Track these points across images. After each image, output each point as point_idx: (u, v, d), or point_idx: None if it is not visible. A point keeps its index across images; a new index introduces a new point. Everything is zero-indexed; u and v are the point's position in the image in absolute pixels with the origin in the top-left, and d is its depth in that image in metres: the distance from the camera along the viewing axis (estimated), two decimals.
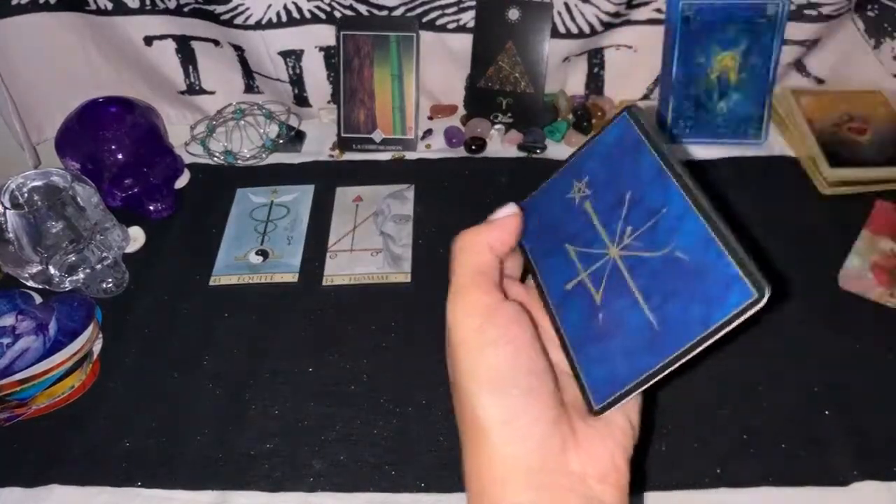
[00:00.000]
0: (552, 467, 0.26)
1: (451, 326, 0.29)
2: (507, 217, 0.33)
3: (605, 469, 0.27)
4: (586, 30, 0.74)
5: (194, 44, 0.79)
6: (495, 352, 0.27)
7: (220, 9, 0.73)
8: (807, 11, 0.72)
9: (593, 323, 0.30)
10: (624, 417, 0.29)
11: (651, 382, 0.27)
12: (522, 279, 0.36)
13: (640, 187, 0.29)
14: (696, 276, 0.26)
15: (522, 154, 0.78)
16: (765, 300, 0.24)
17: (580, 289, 0.31)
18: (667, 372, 0.27)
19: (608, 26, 0.74)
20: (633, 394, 0.28)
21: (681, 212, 0.27)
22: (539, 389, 0.27)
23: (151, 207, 0.73)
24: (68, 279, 0.65)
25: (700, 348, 0.26)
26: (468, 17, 0.76)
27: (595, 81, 0.81)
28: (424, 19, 0.76)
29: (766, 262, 0.61)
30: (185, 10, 0.75)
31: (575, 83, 0.81)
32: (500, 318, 0.28)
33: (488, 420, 0.26)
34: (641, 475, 0.50)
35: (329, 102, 0.84)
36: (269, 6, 0.74)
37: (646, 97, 0.81)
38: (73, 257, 0.63)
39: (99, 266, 0.65)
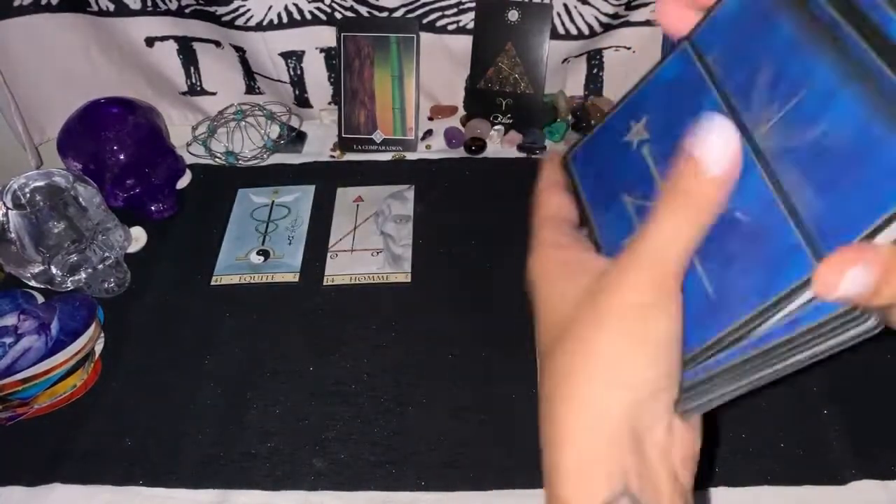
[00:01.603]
0: (653, 438, 0.25)
1: (624, 295, 0.25)
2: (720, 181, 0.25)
3: (688, 454, 0.27)
4: (585, 31, 0.75)
5: (196, 45, 0.80)
6: (667, 325, 0.24)
7: (221, 10, 0.73)
8: None
9: None
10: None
11: (717, 354, 0.24)
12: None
13: (774, 66, 0.24)
14: (756, 241, 0.23)
15: (522, 154, 0.78)
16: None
17: None
18: (733, 346, 0.24)
19: (607, 27, 0.75)
20: (703, 388, 0.25)
21: (745, 165, 0.23)
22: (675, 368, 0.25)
23: (153, 208, 0.73)
24: (70, 279, 0.65)
25: (759, 322, 0.23)
26: (468, 19, 0.76)
27: (594, 82, 0.81)
28: (425, 21, 0.76)
29: None
30: (187, 11, 0.75)
31: (574, 84, 0.82)
32: (674, 314, 0.25)
33: (620, 375, 0.24)
34: None
35: (330, 103, 0.84)
36: (270, 7, 0.74)
37: None
38: (74, 257, 0.64)
39: (101, 266, 0.65)
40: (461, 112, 0.84)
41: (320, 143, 0.81)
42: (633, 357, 0.24)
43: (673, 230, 0.23)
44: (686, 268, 0.24)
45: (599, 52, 0.78)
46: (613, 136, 0.30)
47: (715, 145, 0.23)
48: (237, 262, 0.69)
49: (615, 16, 0.73)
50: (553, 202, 0.30)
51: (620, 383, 0.24)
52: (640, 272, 0.24)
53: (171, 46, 0.80)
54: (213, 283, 0.67)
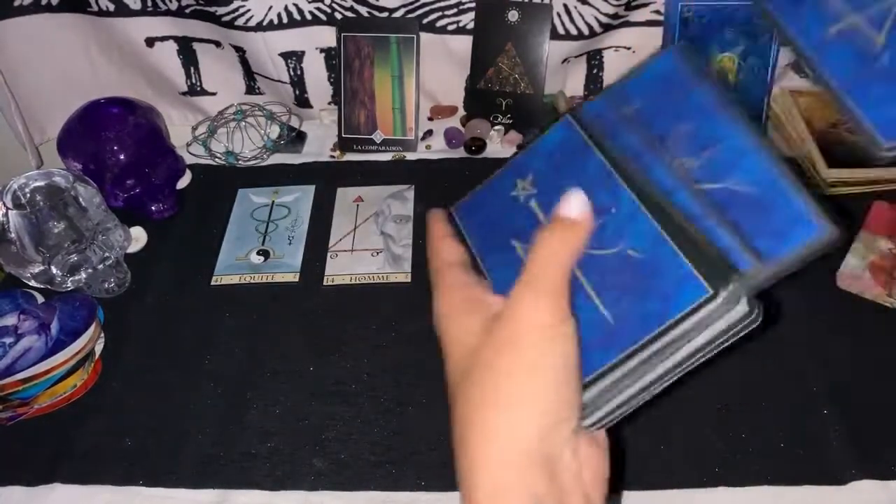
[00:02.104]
0: (563, 461, 0.26)
1: (522, 317, 0.27)
2: (584, 216, 0.29)
3: (597, 473, 0.28)
4: (585, 31, 0.75)
5: (196, 45, 0.80)
6: (564, 348, 0.27)
7: (221, 10, 0.73)
8: None
9: None
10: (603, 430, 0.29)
11: (611, 379, 0.27)
12: None
13: (588, 186, 0.29)
14: (650, 273, 0.26)
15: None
16: (721, 297, 0.24)
17: None
18: (625, 368, 0.26)
19: (607, 28, 0.75)
20: (605, 406, 0.27)
21: (630, 212, 0.27)
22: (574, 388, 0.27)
23: (153, 208, 0.73)
24: (70, 279, 0.65)
25: (657, 344, 0.25)
26: (468, 19, 0.76)
27: (594, 82, 0.81)
28: (425, 21, 0.76)
29: None
30: (187, 11, 0.75)
31: (574, 84, 0.82)
32: (570, 332, 0.28)
33: (527, 400, 0.26)
34: (639, 475, 0.50)
35: (330, 103, 0.84)
36: (270, 8, 0.74)
37: None
38: (74, 257, 0.64)
39: (101, 266, 0.65)
40: (461, 112, 0.84)
41: (320, 144, 0.81)
42: (533, 383, 0.26)
43: (551, 253, 0.28)
44: (567, 288, 0.28)
45: (599, 52, 0.78)
46: (500, 191, 0.33)
47: (573, 205, 0.29)
48: (237, 262, 0.69)
49: (615, 16, 0.73)
50: (447, 249, 0.33)
51: (525, 410, 0.26)
52: (535, 296, 0.27)
53: (172, 46, 0.80)
54: (213, 283, 0.67)
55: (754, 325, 0.25)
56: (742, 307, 0.25)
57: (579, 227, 0.29)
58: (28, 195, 0.63)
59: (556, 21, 0.75)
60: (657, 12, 0.74)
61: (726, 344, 0.26)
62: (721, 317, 0.25)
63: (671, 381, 0.27)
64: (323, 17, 0.76)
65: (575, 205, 0.29)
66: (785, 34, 0.33)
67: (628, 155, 0.29)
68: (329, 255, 0.69)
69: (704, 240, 0.26)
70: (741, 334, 0.26)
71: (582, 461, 0.27)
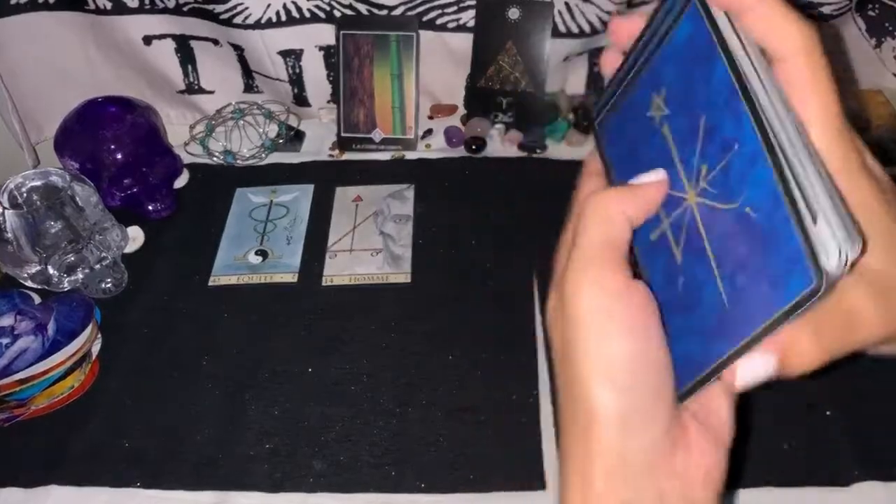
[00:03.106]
0: (659, 468, 0.25)
1: (571, 299, 0.25)
2: (654, 184, 0.26)
3: (708, 471, 0.26)
4: (587, 29, 0.74)
5: (193, 43, 0.79)
6: (622, 342, 0.24)
7: (219, 8, 0.73)
8: (807, 11, 0.72)
9: (675, 288, 0.25)
10: (727, 411, 0.27)
11: (721, 372, 0.24)
12: None
13: (716, 109, 0.23)
14: (764, 245, 0.21)
15: (523, 154, 0.78)
16: (823, 291, 0.19)
17: (663, 242, 0.26)
18: (738, 359, 0.23)
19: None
20: (707, 383, 0.24)
21: (753, 151, 0.21)
22: (660, 387, 0.25)
23: (150, 207, 0.73)
24: (67, 279, 0.64)
25: (763, 338, 0.21)
26: (468, 17, 0.76)
27: (595, 81, 0.81)
28: (424, 18, 0.76)
29: None
30: (185, 9, 0.75)
31: (575, 82, 0.81)
32: (630, 303, 0.25)
33: (604, 412, 0.24)
34: None
35: (329, 102, 0.84)
36: (269, 5, 0.74)
37: None
38: (72, 257, 0.63)
39: (98, 266, 0.65)
40: (461, 111, 0.83)
41: (319, 142, 0.81)
42: (603, 386, 0.25)
43: (597, 228, 0.26)
44: (624, 261, 0.25)
45: (601, 50, 0.78)
46: (638, 109, 0.28)
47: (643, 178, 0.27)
48: (235, 262, 0.68)
49: (617, 14, 0.73)
50: (592, 186, 0.30)
51: (602, 419, 0.25)
52: (577, 279, 0.25)
53: (169, 45, 0.79)
54: (211, 283, 0.67)
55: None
56: None
57: (642, 193, 0.26)
58: (25, 195, 0.63)
59: (558, 19, 0.74)
60: None
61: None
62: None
63: None
64: (322, 14, 0.76)
65: (647, 175, 0.26)
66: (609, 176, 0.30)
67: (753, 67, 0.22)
68: (328, 254, 0.68)
69: (818, 208, 0.20)
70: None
71: (689, 456, 0.25)
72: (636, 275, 0.27)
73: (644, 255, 0.27)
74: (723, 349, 0.23)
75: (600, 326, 0.25)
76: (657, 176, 0.26)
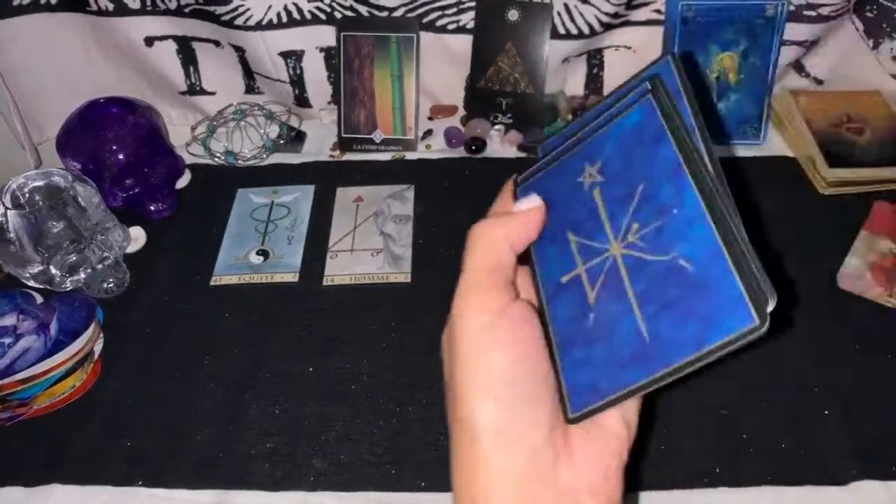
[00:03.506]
0: (542, 480, 0.25)
1: (456, 322, 0.27)
2: (531, 210, 0.30)
3: (597, 481, 0.26)
4: (586, 31, 0.75)
5: (195, 44, 0.80)
6: (500, 355, 0.26)
7: (220, 10, 0.73)
8: (806, 12, 0.72)
9: (583, 323, 0.28)
10: (620, 421, 0.28)
11: (631, 397, 0.26)
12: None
13: (655, 181, 0.26)
14: (697, 290, 0.24)
15: (522, 154, 0.78)
16: (764, 329, 0.22)
17: (575, 284, 0.29)
18: (650, 389, 0.25)
19: (608, 27, 0.75)
20: (612, 406, 0.26)
21: (692, 215, 0.25)
22: (539, 397, 0.26)
23: (152, 207, 0.73)
24: (69, 279, 0.65)
25: (689, 369, 0.24)
26: (468, 18, 0.76)
27: (594, 82, 0.81)
28: (425, 20, 0.76)
29: (765, 262, 0.61)
30: (186, 10, 0.75)
31: (574, 83, 0.81)
32: (510, 319, 0.27)
33: (482, 426, 0.25)
34: (637, 475, 0.50)
35: (329, 103, 0.84)
36: (270, 7, 0.74)
37: None
38: (74, 257, 0.63)
39: (100, 266, 0.65)
40: (461, 112, 0.84)
41: (320, 143, 0.81)
42: (486, 401, 0.25)
43: (484, 249, 0.27)
44: (503, 285, 0.27)
45: (600, 51, 0.78)
46: (567, 174, 0.31)
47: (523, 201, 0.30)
48: (237, 262, 0.69)
49: (616, 15, 0.73)
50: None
51: (487, 435, 0.25)
52: (466, 297, 0.27)
53: (171, 46, 0.79)
54: (212, 283, 0.67)
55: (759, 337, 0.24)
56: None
57: (520, 219, 0.28)
58: (27, 195, 0.63)
59: (557, 20, 0.75)
60: (658, 11, 0.74)
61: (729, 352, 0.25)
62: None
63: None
64: (322, 16, 0.76)
65: (527, 202, 0.29)
66: (531, 265, 0.32)
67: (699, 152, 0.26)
68: (329, 254, 0.69)
69: (750, 262, 0.23)
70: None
71: (578, 469, 0.26)
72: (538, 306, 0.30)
73: (551, 293, 0.30)
74: (638, 377, 0.25)
75: (481, 342, 0.26)
76: (534, 202, 0.30)
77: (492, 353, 0.26)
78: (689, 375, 0.25)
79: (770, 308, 0.22)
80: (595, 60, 0.79)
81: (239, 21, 0.74)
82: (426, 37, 0.77)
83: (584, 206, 0.29)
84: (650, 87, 0.28)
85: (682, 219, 0.25)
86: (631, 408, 0.29)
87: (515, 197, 0.32)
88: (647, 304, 0.25)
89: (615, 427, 0.28)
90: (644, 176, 0.27)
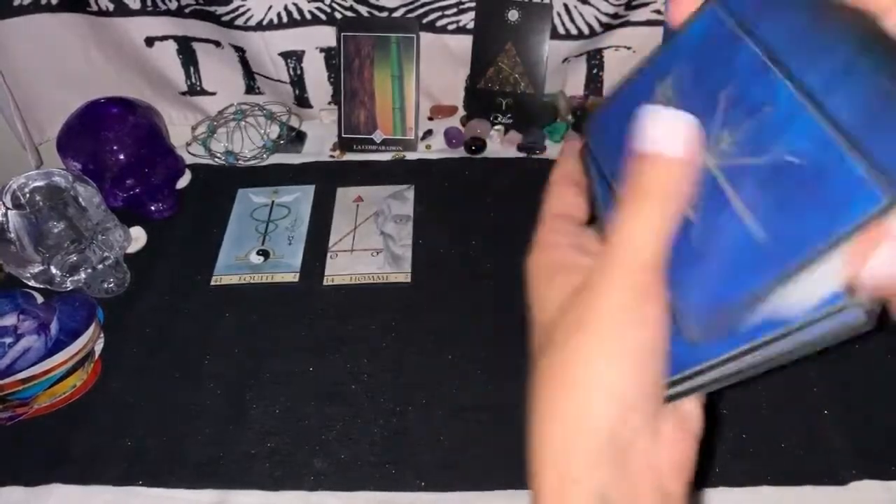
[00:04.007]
0: (639, 456, 0.24)
1: (601, 297, 0.24)
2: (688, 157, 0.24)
3: (681, 462, 0.25)
4: (585, 31, 0.75)
5: (195, 45, 0.80)
6: (647, 333, 0.24)
7: (220, 10, 0.73)
8: None
9: (687, 245, 0.25)
10: (694, 403, 0.26)
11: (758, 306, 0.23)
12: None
13: (739, 84, 0.24)
14: (813, 182, 0.21)
15: (522, 154, 0.78)
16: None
17: None
18: (778, 290, 0.22)
19: (607, 27, 0.75)
20: (739, 317, 0.23)
21: (790, 109, 0.22)
22: (656, 372, 0.24)
23: (153, 207, 0.73)
24: (70, 279, 0.65)
25: (819, 262, 0.21)
26: (468, 19, 0.76)
27: (594, 82, 0.81)
28: (425, 20, 0.76)
29: None
30: (186, 11, 0.75)
31: (574, 84, 0.82)
32: (656, 319, 0.24)
33: (598, 384, 0.23)
34: None
35: (330, 103, 0.84)
36: (270, 7, 0.74)
37: None
38: (74, 257, 0.63)
39: (100, 266, 0.65)
40: (461, 112, 0.84)
41: (320, 143, 0.81)
42: (613, 366, 0.24)
43: (640, 231, 0.23)
44: (662, 263, 0.24)
45: (599, 51, 0.78)
46: (637, 99, 0.27)
47: (663, 135, 0.22)
48: (237, 262, 0.69)
49: (615, 16, 0.73)
50: (560, 198, 0.29)
51: (600, 395, 0.24)
52: (616, 280, 0.23)
53: (171, 46, 0.79)
54: (212, 283, 0.67)
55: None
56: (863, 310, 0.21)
57: (670, 187, 0.23)
58: (28, 195, 0.63)
59: (557, 21, 0.75)
60: (657, 12, 0.74)
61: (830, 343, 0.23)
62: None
63: (769, 368, 0.24)
64: (323, 16, 0.76)
65: (671, 131, 0.23)
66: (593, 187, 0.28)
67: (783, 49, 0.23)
68: (329, 255, 0.69)
69: (864, 146, 0.20)
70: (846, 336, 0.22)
71: (662, 445, 0.25)
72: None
73: None
74: (759, 280, 0.22)
75: (638, 308, 0.24)
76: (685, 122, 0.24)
77: (620, 362, 0.24)
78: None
79: None
80: (595, 61, 0.79)
81: (239, 21, 0.74)
82: (426, 37, 0.77)
83: None
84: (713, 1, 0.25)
85: (777, 116, 0.23)
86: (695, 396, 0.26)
87: (586, 144, 0.29)
88: (758, 208, 0.23)
89: (692, 408, 0.26)
90: (724, 82, 0.24)
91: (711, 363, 0.24)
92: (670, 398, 0.25)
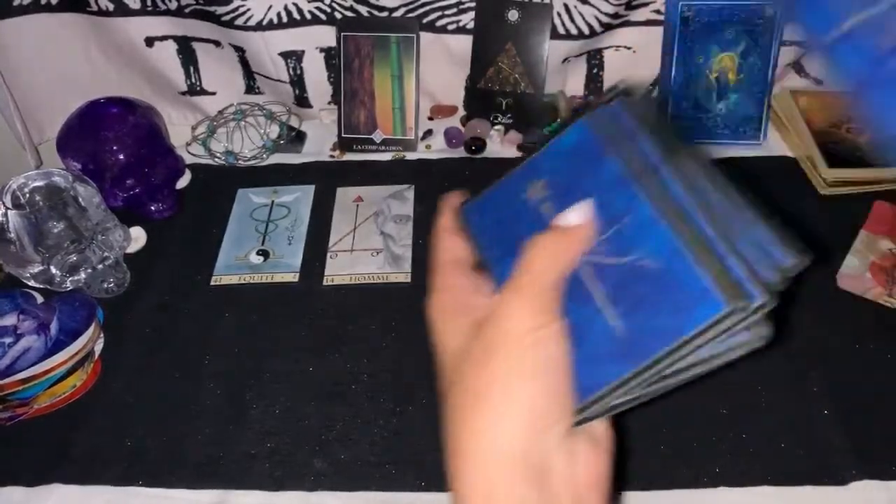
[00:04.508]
0: (555, 473, 0.26)
1: (502, 322, 0.27)
2: (586, 223, 0.28)
3: (597, 478, 0.27)
4: (585, 31, 0.75)
5: (195, 44, 0.80)
6: (551, 351, 0.26)
7: (220, 10, 0.73)
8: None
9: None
10: (603, 424, 0.28)
11: (618, 396, 0.26)
12: None
13: (603, 192, 0.28)
14: (665, 285, 0.25)
15: (522, 154, 0.78)
16: (737, 311, 0.23)
17: None
18: (633, 384, 0.25)
19: (607, 27, 0.75)
20: (602, 405, 0.26)
21: (645, 219, 0.26)
22: (566, 390, 0.26)
23: (153, 207, 0.73)
24: (70, 279, 0.65)
25: (668, 361, 0.25)
26: (468, 19, 0.76)
27: (594, 82, 0.81)
28: (425, 20, 0.76)
29: None
30: (186, 11, 0.75)
31: (574, 84, 0.82)
32: (557, 341, 0.27)
33: (509, 403, 0.25)
34: (638, 475, 0.50)
35: (329, 103, 0.84)
36: (270, 7, 0.74)
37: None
38: (74, 257, 0.63)
39: (100, 266, 0.65)
40: (461, 112, 0.84)
41: (320, 143, 0.81)
42: (523, 386, 0.26)
43: (542, 260, 0.27)
44: (557, 293, 0.27)
45: (599, 51, 0.78)
46: (511, 193, 0.32)
47: (575, 213, 0.28)
48: (237, 262, 0.69)
49: (615, 15, 0.73)
50: (450, 246, 0.32)
51: (512, 415, 0.25)
52: (522, 300, 0.26)
53: (171, 46, 0.79)
54: (212, 283, 0.67)
55: (762, 346, 0.25)
56: (756, 332, 0.25)
57: (576, 235, 0.27)
58: (27, 195, 0.63)
59: (557, 20, 0.75)
60: (657, 12, 0.74)
61: (735, 358, 0.26)
62: (734, 333, 0.24)
63: (669, 389, 0.27)
64: (323, 16, 0.76)
65: (577, 213, 0.28)
66: (799, 27, 0.32)
67: (643, 165, 0.28)
68: (329, 255, 0.69)
69: (716, 258, 0.25)
70: (749, 351, 0.26)
71: (578, 462, 0.27)
72: None
73: None
74: (621, 370, 0.25)
75: (525, 358, 0.26)
76: (585, 213, 0.28)
77: (539, 349, 0.26)
78: (688, 383, 0.26)
79: (756, 290, 0.23)
80: (595, 60, 0.79)
81: (239, 21, 0.74)
82: (426, 37, 0.77)
83: (534, 220, 0.30)
84: (582, 109, 0.31)
85: (635, 223, 0.27)
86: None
87: (464, 218, 0.33)
88: (618, 303, 0.26)
89: (601, 427, 0.28)
90: (591, 188, 0.28)
91: (613, 385, 0.26)
92: (580, 422, 0.27)
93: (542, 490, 0.25)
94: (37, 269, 0.64)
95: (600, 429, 0.28)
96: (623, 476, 0.49)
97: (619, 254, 0.27)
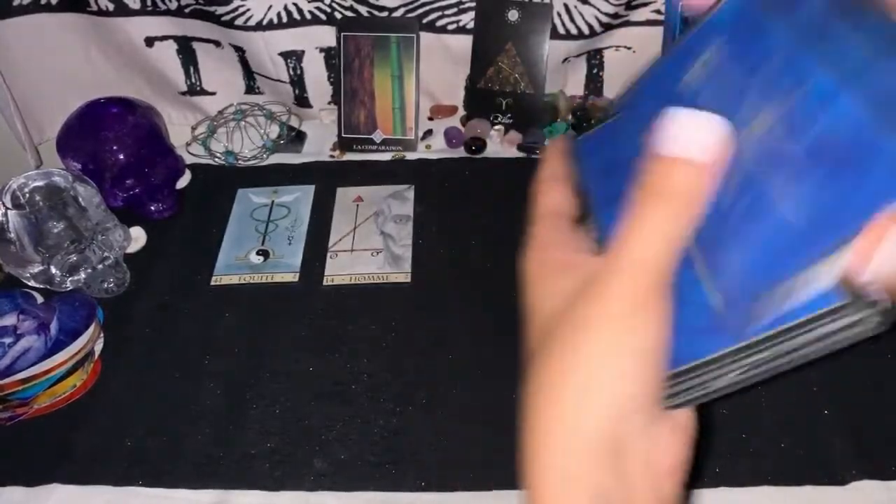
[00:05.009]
0: (636, 458, 0.24)
1: (609, 297, 0.24)
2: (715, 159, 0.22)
3: (675, 464, 0.25)
4: (585, 31, 0.75)
5: (195, 44, 0.80)
6: (651, 334, 0.23)
7: (220, 10, 0.73)
8: None
9: (719, 229, 0.23)
10: (688, 410, 0.26)
11: (713, 374, 0.23)
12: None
13: (772, 68, 0.23)
14: (852, 164, 0.20)
15: (522, 154, 0.78)
16: None
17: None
18: (735, 361, 0.22)
19: (607, 27, 0.75)
20: (697, 383, 0.23)
21: (828, 89, 0.21)
22: (657, 376, 0.24)
23: (153, 207, 0.73)
24: (70, 279, 0.65)
25: (782, 340, 0.21)
26: (468, 18, 0.76)
27: (594, 82, 0.81)
28: (425, 20, 0.76)
29: None
30: (186, 11, 0.75)
31: (574, 84, 0.82)
32: (659, 319, 0.24)
33: (598, 385, 0.23)
34: None
35: (329, 103, 0.84)
36: (270, 7, 0.74)
37: None
38: (74, 257, 0.63)
39: (100, 266, 0.65)
40: (461, 112, 0.84)
41: (320, 143, 0.81)
42: (613, 368, 0.23)
43: (652, 235, 0.22)
44: (673, 269, 0.22)
45: (599, 51, 0.78)
46: (630, 127, 0.27)
47: (688, 136, 0.21)
48: (237, 262, 0.69)
49: (615, 15, 0.73)
50: (551, 196, 0.29)
51: (601, 395, 0.23)
52: (622, 282, 0.23)
53: (171, 46, 0.79)
54: (212, 283, 0.67)
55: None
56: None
57: (698, 182, 0.21)
58: (27, 195, 0.63)
59: (557, 20, 0.75)
60: (657, 12, 0.74)
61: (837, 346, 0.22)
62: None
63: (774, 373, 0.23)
64: (323, 16, 0.76)
65: (696, 135, 0.21)
66: (582, 192, 0.27)
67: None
68: (329, 254, 0.69)
69: None
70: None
71: (659, 448, 0.25)
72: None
73: None
74: (796, 263, 0.21)
75: (648, 301, 0.23)
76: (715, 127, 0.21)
77: (625, 365, 0.23)
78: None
79: None
80: (595, 60, 0.79)
81: (239, 21, 0.74)
82: (426, 37, 0.77)
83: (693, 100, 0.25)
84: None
85: (814, 95, 0.21)
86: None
87: (574, 162, 0.29)
88: (795, 193, 0.21)
89: (692, 416, 0.26)
90: (757, 66, 0.23)
91: (709, 358, 0.23)
92: (670, 406, 0.25)
93: (618, 477, 0.24)
94: (37, 269, 0.64)
95: (684, 415, 0.26)
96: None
97: (793, 137, 0.22)
